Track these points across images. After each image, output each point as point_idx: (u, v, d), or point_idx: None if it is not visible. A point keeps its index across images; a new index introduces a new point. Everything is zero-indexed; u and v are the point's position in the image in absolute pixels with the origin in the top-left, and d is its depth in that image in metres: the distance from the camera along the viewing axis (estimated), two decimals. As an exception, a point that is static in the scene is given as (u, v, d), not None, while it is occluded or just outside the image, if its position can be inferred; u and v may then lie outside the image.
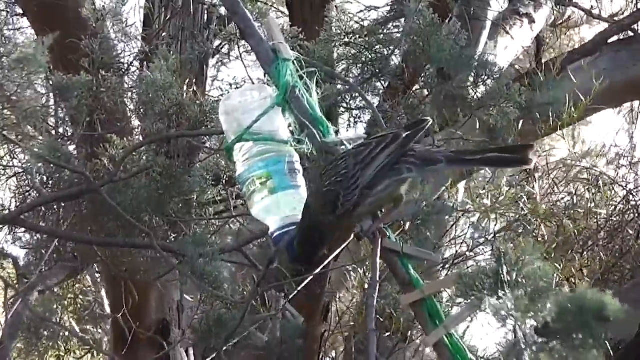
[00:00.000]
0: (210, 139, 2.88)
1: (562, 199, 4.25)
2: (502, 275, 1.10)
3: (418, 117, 2.56)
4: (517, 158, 1.31)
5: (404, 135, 1.34)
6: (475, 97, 2.47)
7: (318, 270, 2.50)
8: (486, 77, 2.44)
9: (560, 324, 0.95)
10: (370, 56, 2.50)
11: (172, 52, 3.15)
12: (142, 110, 2.66)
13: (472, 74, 2.44)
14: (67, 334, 3.19)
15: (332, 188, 1.36)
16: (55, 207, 2.78)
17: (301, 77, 1.54)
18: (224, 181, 2.75)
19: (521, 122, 2.48)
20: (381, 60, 2.50)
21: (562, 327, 0.95)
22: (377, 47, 2.51)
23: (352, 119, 2.58)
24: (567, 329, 0.95)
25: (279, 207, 1.45)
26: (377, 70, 2.50)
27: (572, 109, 2.78)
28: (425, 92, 2.62)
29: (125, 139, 2.74)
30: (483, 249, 3.52)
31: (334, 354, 4.02)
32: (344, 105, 2.54)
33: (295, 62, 1.54)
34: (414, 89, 2.69)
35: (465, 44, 2.41)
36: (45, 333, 2.37)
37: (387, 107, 2.56)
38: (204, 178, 2.54)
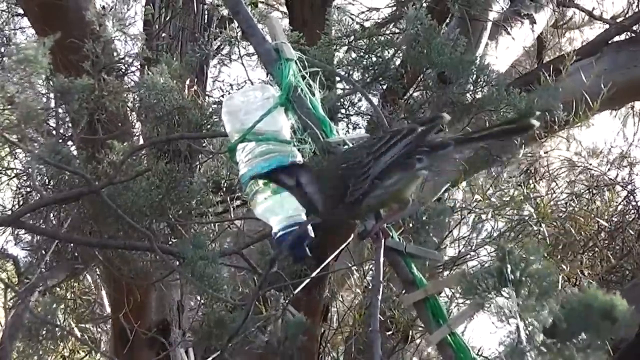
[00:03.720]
0: (210, 142, 2.88)
1: (563, 199, 4.25)
2: (506, 274, 1.10)
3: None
4: (519, 125, 1.28)
5: (419, 129, 1.31)
6: (474, 101, 2.48)
7: (317, 271, 2.50)
8: (484, 84, 2.44)
9: (568, 324, 0.95)
10: (371, 60, 2.50)
11: (172, 54, 3.16)
12: (143, 115, 2.67)
13: (472, 78, 2.45)
14: (66, 334, 3.19)
15: (343, 174, 1.34)
16: (56, 207, 2.78)
17: (303, 77, 1.53)
18: (224, 188, 2.76)
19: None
20: (382, 63, 2.50)
21: (569, 327, 0.95)
22: (378, 50, 2.51)
23: (349, 126, 2.58)
24: (574, 328, 0.95)
25: (282, 207, 1.45)
26: (378, 74, 2.50)
27: (577, 111, 2.78)
28: (425, 95, 2.62)
29: (126, 141, 2.74)
30: (486, 248, 3.52)
31: (334, 354, 4.01)
32: (342, 111, 2.55)
33: (297, 61, 1.54)
34: (413, 92, 2.69)
35: (464, 49, 2.42)
36: (45, 334, 2.36)
37: (387, 111, 2.56)
38: (204, 185, 2.54)
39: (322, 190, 1.37)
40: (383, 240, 1.34)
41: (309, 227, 1.45)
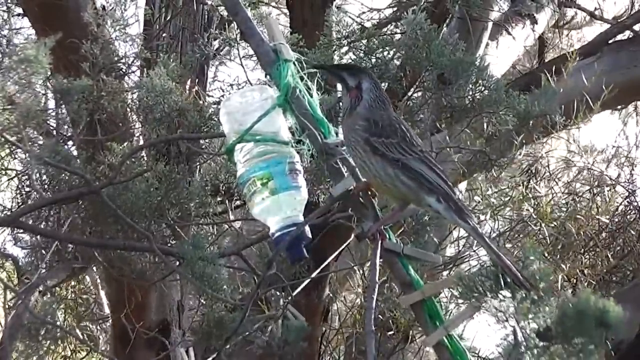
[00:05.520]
0: (210, 143, 2.88)
1: (564, 199, 4.25)
2: (502, 277, 1.10)
3: (417, 122, 2.58)
4: (523, 282, 1.16)
5: (456, 196, 1.38)
6: (473, 103, 2.47)
7: (317, 271, 2.50)
8: (483, 88, 2.44)
9: (562, 328, 0.96)
10: (371, 61, 2.49)
11: (172, 54, 3.16)
12: (142, 117, 2.67)
13: (472, 80, 2.44)
14: (66, 334, 3.19)
15: (393, 123, 1.41)
16: (55, 208, 2.78)
17: (302, 78, 1.53)
18: (222, 191, 2.75)
19: (519, 129, 2.48)
20: (381, 65, 2.49)
21: (563, 331, 0.95)
22: (378, 51, 2.50)
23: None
24: (568, 333, 0.95)
25: (279, 208, 1.45)
26: (377, 76, 2.50)
27: (577, 111, 2.78)
28: (424, 96, 2.61)
29: (126, 142, 2.74)
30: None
31: (335, 354, 4.01)
32: (341, 112, 2.54)
33: (296, 63, 1.54)
34: (413, 93, 2.68)
35: (463, 52, 2.42)
36: (45, 334, 2.37)
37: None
38: (203, 188, 2.54)
39: (372, 107, 1.43)
40: (380, 242, 1.34)
41: (307, 228, 1.45)
